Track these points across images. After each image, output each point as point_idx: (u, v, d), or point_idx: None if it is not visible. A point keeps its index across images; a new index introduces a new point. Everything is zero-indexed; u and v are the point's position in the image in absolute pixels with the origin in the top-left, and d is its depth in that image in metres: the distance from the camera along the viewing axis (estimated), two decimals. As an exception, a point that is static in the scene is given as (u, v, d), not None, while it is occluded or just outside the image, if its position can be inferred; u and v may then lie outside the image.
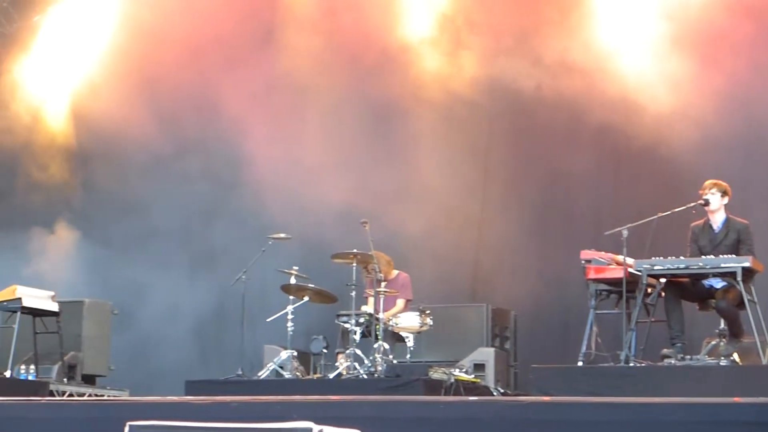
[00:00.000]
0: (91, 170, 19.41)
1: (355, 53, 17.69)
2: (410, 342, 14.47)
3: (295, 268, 14.71)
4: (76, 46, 19.64)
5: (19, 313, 14.89)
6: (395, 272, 15.12)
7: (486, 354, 15.04)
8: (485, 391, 14.25)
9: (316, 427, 8.55)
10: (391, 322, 14.42)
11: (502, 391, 14.66)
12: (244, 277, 14.73)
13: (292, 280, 14.65)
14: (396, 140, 17.52)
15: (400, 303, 14.95)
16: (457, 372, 13.93)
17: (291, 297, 14.59)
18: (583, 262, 12.72)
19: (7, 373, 14.73)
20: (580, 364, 12.48)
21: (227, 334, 16.80)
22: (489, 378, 14.77)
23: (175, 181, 18.34)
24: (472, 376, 14.37)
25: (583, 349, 12.52)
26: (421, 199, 17.04)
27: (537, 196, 17.09)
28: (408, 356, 14.39)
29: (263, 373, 14.29)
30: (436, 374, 13.60)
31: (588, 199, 16.86)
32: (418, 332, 14.55)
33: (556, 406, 10.07)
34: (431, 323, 14.51)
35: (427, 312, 14.51)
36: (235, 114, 17.96)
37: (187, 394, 13.31)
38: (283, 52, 18.03)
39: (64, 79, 19.75)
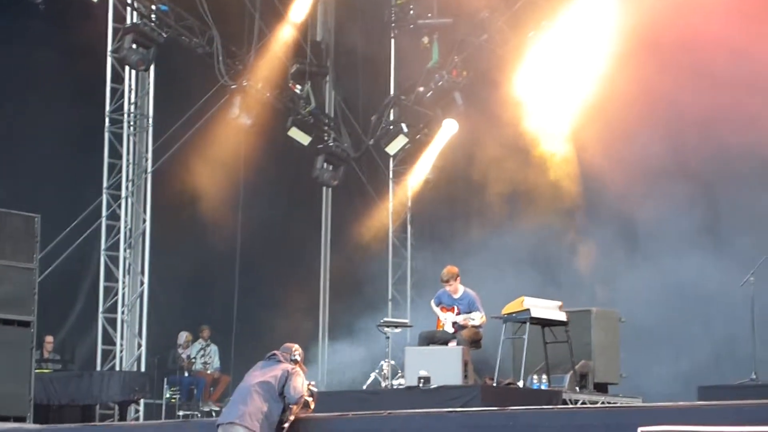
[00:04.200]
0: (590, 185, 19.60)
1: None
2: None
3: (806, 268, 14.15)
4: (574, 63, 19.72)
5: (528, 324, 15.20)
6: None
7: None
8: None
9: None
10: None
11: None
12: (752, 279, 14.31)
13: (803, 281, 14.09)
14: None
15: None
16: None
17: (803, 297, 14.04)
18: None
19: (520, 383, 15.07)
20: None
21: (738, 338, 16.37)
22: None
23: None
24: None
25: None
26: None
27: None
28: None
29: (776, 377, 13.84)
30: None
31: None
32: None
33: None
34: None
35: None
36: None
37: (699, 400, 13.05)
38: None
39: (561, 95, 19.94)
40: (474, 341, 15.41)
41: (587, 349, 16.12)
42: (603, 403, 15.28)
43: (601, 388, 16.15)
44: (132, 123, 20.97)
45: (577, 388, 15.52)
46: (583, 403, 15.02)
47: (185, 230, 20.76)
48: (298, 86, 22.46)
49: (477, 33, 21.28)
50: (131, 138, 20.96)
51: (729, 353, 16.88)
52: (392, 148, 22.83)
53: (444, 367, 14.43)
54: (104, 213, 20.68)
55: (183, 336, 20.43)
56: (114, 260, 20.65)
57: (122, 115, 20.92)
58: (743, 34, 17.40)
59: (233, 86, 21.37)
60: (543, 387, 15.15)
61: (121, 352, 20.48)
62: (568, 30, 19.76)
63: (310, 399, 12.86)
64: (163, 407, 19.54)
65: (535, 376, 15.29)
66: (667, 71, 17.95)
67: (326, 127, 23.08)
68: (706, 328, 17.94)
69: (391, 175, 23.56)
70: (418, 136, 22.62)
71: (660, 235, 18.63)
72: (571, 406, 14.54)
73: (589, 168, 19.46)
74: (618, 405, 14.58)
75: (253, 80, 21.47)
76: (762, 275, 14.48)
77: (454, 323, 15.64)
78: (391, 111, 23.02)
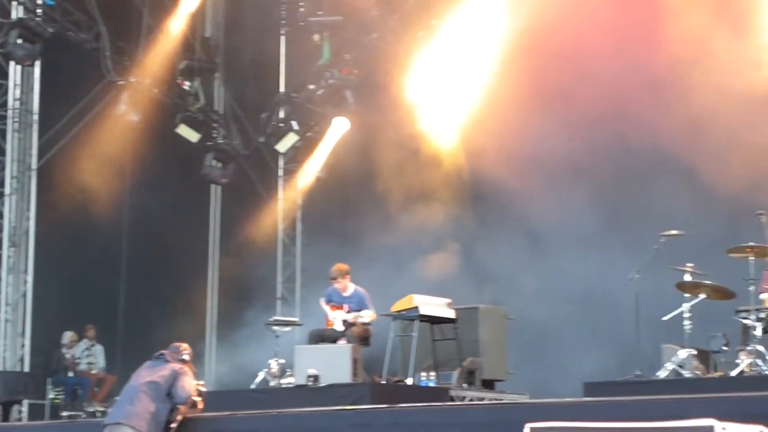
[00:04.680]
0: (481, 185, 19.70)
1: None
2: (816, 336, 13.77)
3: (690, 264, 14.33)
4: (463, 61, 19.82)
5: (417, 321, 15.24)
6: (795, 264, 14.43)
7: None
8: None
9: (718, 425, 8.26)
10: (795, 316, 13.78)
11: None
12: (637, 276, 14.50)
13: (687, 277, 14.27)
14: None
15: (804, 296, 14.25)
16: None
17: (686, 294, 14.22)
18: None
19: (409, 380, 15.10)
20: None
21: (623, 334, 16.59)
22: None
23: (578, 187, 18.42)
24: None
25: None
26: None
27: None
28: (814, 351, 13.69)
29: (662, 373, 13.99)
30: None
31: None
32: (825, 326, 13.82)
33: None
34: (839, 316, 13.76)
35: (835, 304, 13.78)
36: (639, 114, 17.78)
37: (585, 396, 13.19)
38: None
39: (451, 95, 20.02)
40: (363, 339, 15.39)
41: (475, 347, 16.21)
42: (490, 399, 15.41)
43: (489, 384, 16.25)
44: (16, 119, 20.57)
45: (465, 385, 15.58)
46: (471, 399, 15.10)
47: (71, 228, 20.43)
48: (187, 83, 22.29)
49: (367, 31, 21.29)
50: (15, 134, 20.56)
51: (617, 350, 17.09)
52: (282, 146, 22.76)
53: (333, 365, 14.39)
54: (-13, 211, 20.30)
55: (67, 336, 20.11)
56: (-3, 259, 20.26)
57: (6, 111, 20.52)
58: (626, 38, 17.65)
59: (121, 82, 21.12)
60: (431, 384, 15.20)
61: (4, 351, 20.10)
62: (458, 29, 19.86)
63: (198, 399, 12.76)
64: (47, 408, 19.24)
65: (424, 374, 15.33)
66: (560, 71, 18.13)
67: (215, 125, 22.91)
68: (596, 325, 18.15)
69: (281, 173, 23.47)
70: (308, 134, 22.57)
71: (554, 232, 18.79)
72: (458, 402, 14.61)
73: (483, 167, 19.53)
74: (505, 402, 14.70)
75: (141, 76, 21.23)
76: (647, 272, 14.66)
77: (344, 321, 15.61)
78: (282, 109, 22.91)
